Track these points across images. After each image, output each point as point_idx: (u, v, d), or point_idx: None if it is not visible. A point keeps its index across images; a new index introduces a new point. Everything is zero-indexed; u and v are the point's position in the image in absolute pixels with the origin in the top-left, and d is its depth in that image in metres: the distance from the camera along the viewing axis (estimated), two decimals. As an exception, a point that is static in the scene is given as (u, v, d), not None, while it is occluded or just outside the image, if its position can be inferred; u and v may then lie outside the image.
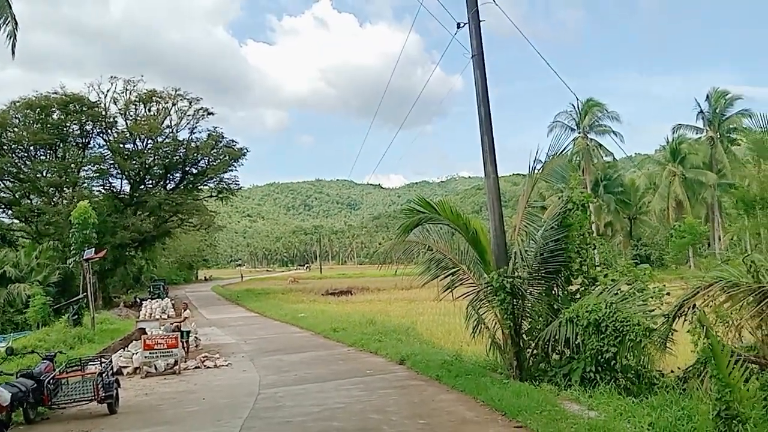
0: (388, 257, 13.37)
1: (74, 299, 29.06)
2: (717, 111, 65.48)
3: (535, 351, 12.25)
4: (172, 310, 42.10)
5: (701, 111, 65.82)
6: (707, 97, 65.61)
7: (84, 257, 26.54)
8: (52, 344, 23.12)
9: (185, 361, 18.92)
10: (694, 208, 67.44)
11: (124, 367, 17.80)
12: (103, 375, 11.67)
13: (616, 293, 10.88)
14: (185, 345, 21.25)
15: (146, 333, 21.73)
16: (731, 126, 64.41)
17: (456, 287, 13.04)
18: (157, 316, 40.55)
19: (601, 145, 67.87)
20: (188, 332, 21.44)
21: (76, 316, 29.84)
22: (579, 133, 67.73)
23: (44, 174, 46.31)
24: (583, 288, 12.42)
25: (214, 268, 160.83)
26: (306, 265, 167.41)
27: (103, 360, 12.66)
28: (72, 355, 20.13)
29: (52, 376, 11.39)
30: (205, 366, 18.07)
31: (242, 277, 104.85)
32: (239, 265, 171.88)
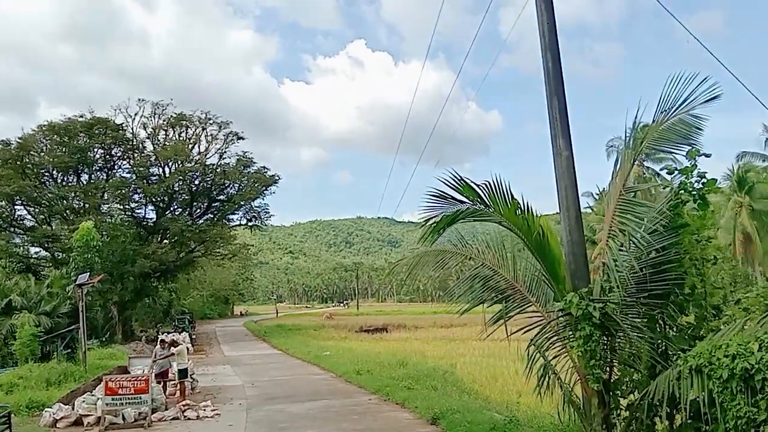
0: (411, 275, 9.37)
1: (64, 330, 25.79)
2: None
3: (634, 416, 8.01)
4: (190, 345, 38.74)
5: (768, 138, 60.15)
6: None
7: (77, 282, 23.31)
8: (33, 381, 19.88)
9: (165, 409, 15.18)
10: (763, 241, 61.40)
11: (86, 415, 14.17)
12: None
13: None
14: (180, 387, 17.57)
15: (127, 371, 18.15)
16: (803, 153, 58.64)
17: (510, 317, 8.92)
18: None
19: (658, 174, 62.54)
20: (185, 370, 17.73)
21: (69, 350, 26.66)
22: (635, 160, 62.66)
23: (65, 199, 44.05)
24: (701, 321, 8.17)
25: (253, 303, 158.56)
26: (344, 302, 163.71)
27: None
28: (35, 398, 16.78)
29: None
30: (184, 417, 14.26)
31: (277, 312, 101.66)
32: (278, 300, 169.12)
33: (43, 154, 44.74)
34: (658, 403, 7.57)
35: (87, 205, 44.03)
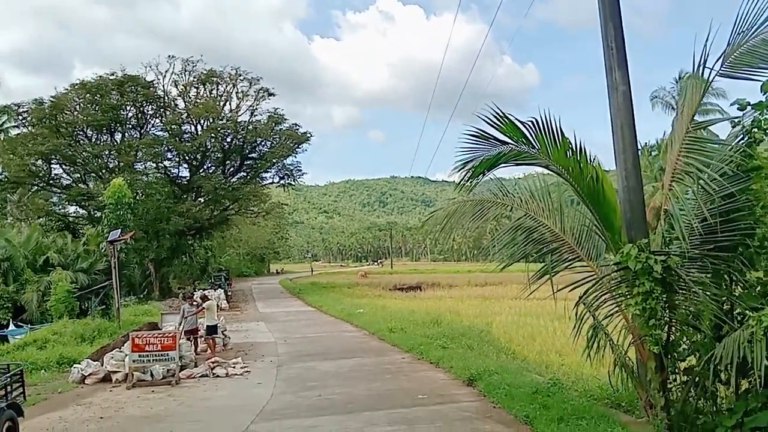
0: (446, 228, 8.52)
1: (98, 286, 25.86)
2: None
3: (694, 381, 7.18)
4: (225, 302, 38.94)
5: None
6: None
7: (109, 239, 23.18)
8: (66, 337, 19.93)
9: (195, 366, 14.92)
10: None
11: (114, 372, 13.95)
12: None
13: None
14: (210, 343, 17.33)
15: (159, 328, 17.98)
16: None
17: (557, 273, 8.09)
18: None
19: (705, 128, 59.69)
20: (214, 327, 17.44)
21: (104, 306, 26.86)
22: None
23: (99, 157, 44.15)
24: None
25: (289, 262, 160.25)
26: (379, 261, 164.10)
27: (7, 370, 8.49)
28: (66, 353, 16.73)
29: None
30: (213, 374, 13.92)
31: (312, 270, 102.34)
32: (314, 259, 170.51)
33: (76, 113, 44.73)
34: (723, 368, 6.75)
35: (121, 164, 44.09)
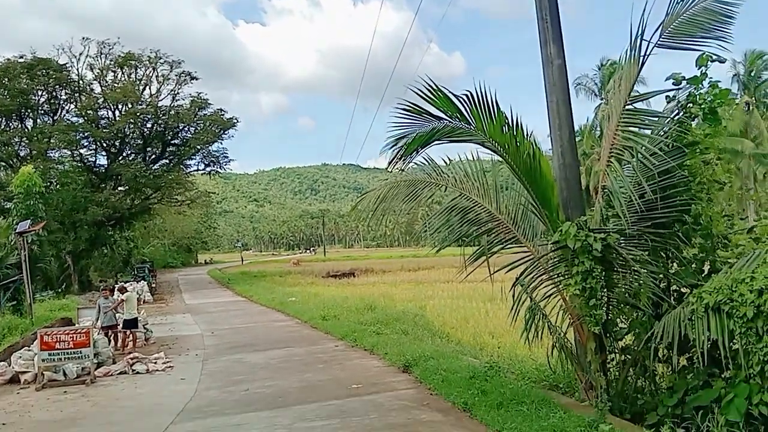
0: (379, 210, 8.08)
1: (6, 281, 24.04)
2: (753, 74, 59.46)
3: (635, 360, 7.08)
4: (149, 294, 37.29)
5: (736, 74, 59.73)
6: (744, 57, 59.43)
7: (17, 230, 21.50)
8: (-30, 337, 18.31)
9: (113, 362, 13.94)
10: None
11: (22, 372, 12.81)
12: None
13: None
14: (130, 338, 16.30)
15: (73, 323, 16.80)
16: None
17: (493, 254, 7.81)
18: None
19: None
20: (134, 320, 16.38)
21: (15, 302, 25.00)
22: (601, 99, 61.78)
23: (7, 145, 41.11)
24: (709, 253, 7.18)
25: (218, 252, 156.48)
26: (311, 249, 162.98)
27: None
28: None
29: None
30: (133, 371, 13.02)
31: (242, 260, 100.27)
32: (244, 248, 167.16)
33: (-22, 97, 41.51)
34: (663, 346, 6.67)
35: (33, 152, 41.30)
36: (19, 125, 42.82)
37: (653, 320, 6.96)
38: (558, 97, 7.24)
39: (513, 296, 7.61)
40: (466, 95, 6.33)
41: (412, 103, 6.46)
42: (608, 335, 7.07)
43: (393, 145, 6.74)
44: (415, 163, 8.16)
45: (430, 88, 6.35)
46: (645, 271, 6.84)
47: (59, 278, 45.82)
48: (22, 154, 42.07)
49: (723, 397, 5.89)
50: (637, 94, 6.79)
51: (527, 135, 6.68)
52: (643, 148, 6.37)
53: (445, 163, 8.17)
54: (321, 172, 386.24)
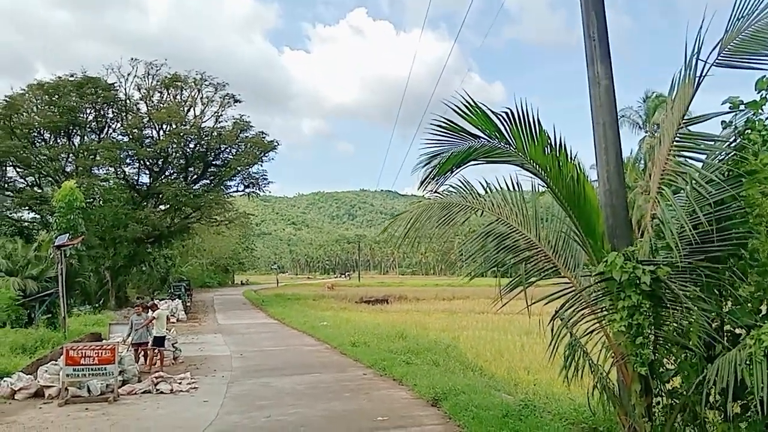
0: (411, 232, 7.66)
1: (43, 294, 24.37)
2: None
3: (684, 406, 6.45)
4: (183, 313, 37.49)
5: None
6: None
7: (56, 244, 21.83)
8: (5, 349, 18.47)
9: (139, 381, 13.77)
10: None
11: (47, 387, 12.74)
12: None
13: None
14: (155, 356, 16.16)
15: (101, 339, 16.76)
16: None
17: (530, 284, 7.32)
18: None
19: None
20: (161, 338, 16.26)
21: (50, 315, 25.32)
22: (646, 132, 60.40)
23: (54, 160, 42.28)
24: (763, 294, 6.54)
25: (255, 273, 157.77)
26: (346, 273, 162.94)
27: None
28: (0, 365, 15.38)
29: None
30: (157, 390, 12.82)
31: (278, 282, 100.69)
32: (280, 271, 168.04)
33: (32, 114, 42.98)
34: (716, 392, 6.06)
35: (79, 168, 42.39)
36: (67, 142, 44.09)
37: (704, 362, 6.36)
38: (605, 119, 6.77)
39: (551, 331, 7.08)
40: (506, 113, 5.93)
41: (449, 120, 6.10)
42: (655, 377, 6.48)
43: (426, 164, 6.36)
44: (450, 186, 7.78)
45: (467, 105, 5.99)
46: (697, 308, 6.25)
47: (97, 293, 46.60)
48: (68, 170, 43.20)
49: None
50: (691, 117, 6.29)
51: (571, 157, 6.24)
52: (698, 174, 5.86)
53: (483, 187, 7.75)
54: (359, 198, 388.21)
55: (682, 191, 6.72)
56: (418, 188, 6.53)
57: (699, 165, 6.13)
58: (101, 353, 12.23)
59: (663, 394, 6.91)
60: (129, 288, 52.84)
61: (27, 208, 43.01)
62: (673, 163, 6.12)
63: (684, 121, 6.10)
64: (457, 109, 6.03)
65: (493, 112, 6.00)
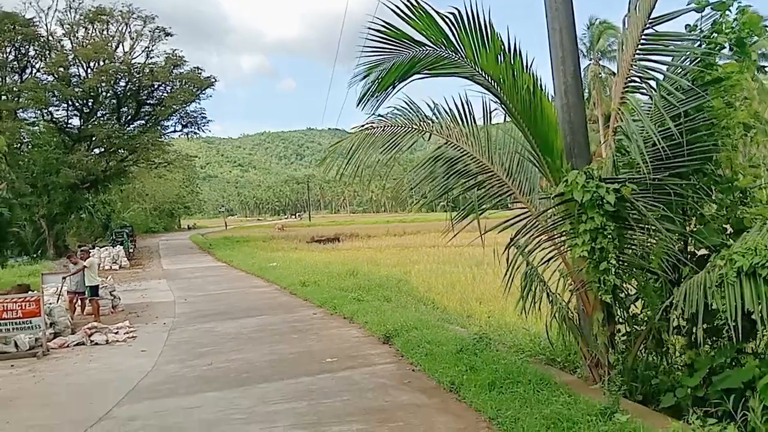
0: (354, 159, 6.93)
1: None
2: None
3: (649, 333, 6.11)
4: (126, 259, 36.10)
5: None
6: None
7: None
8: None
9: (72, 333, 12.87)
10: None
11: (-32, 344, 11.72)
12: None
13: None
14: (92, 306, 15.20)
15: (31, 290, 15.61)
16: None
17: (483, 211, 6.77)
18: (107, 266, 34.56)
19: (615, 74, 60.42)
20: (94, 287, 15.25)
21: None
22: (590, 60, 60.29)
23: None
24: (732, 209, 6.16)
25: (202, 217, 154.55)
26: (298, 214, 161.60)
27: None
28: None
29: None
30: (91, 342, 11.98)
31: (226, 225, 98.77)
32: (229, 214, 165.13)
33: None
34: (683, 317, 5.72)
35: (3, 112, 39.37)
36: (-14, 83, 40.80)
37: (669, 286, 6.00)
38: (561, 24, 6.11)
39: (507, 260, 6.59)
40: (454, 14, 5.15)
41: (389, 25, 5.28)
42: (617, 304, 6.10)
43: (365, 76, 5.57)
44: (395, 108, 7.05)
45: (410, 6, 5.17)
46: (663, 229, 5.82)
47: (34, 243, 44.44)
48: (-10, 114, 40.15)
49: (758, 377, 4.95)
50: (658, 16, 5.64)
51: (526, 66, 5.56)
52: (666, 80, 5.29)
53: (429, 108, 7.02)
54: (306, 137, 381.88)
55: (643, 104, 6.21)
56: (357, 105, 5.76)
57: (670, 69, 5.54)
58: (25, 306, 11.23)
59: (625, 321, 6.58)
60: (69, 236, 50.62)
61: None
62: (639, 67, 5.51)
63: (650, 20, 5.45)
64: (399, 11, 5.21)
65: (439, 14, 5.20)
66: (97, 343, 11.96)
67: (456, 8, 5.10)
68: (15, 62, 41.20)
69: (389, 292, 16.26)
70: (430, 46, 5.48)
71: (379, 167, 7.33)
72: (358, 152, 6.90)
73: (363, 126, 7.04)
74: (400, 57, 5.51)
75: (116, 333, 12.47)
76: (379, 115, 6.98)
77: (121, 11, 42.84)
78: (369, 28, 5.31)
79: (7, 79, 41.54)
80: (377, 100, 5.93)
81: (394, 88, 5.82)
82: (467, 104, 6.79)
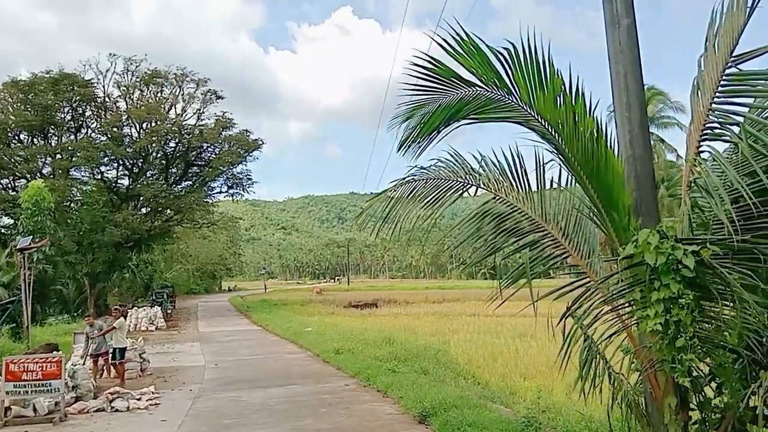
0: (392, 215, 6.28)
1: (5, 302, 22.79)
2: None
3: (731, 423, 5.11)
4: (162, 320, 35.86)
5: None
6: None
7: (18, 247, 20.28)
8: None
9: (94, 397, 12.27)
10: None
11: (-14, 405, 11.23)
12: None
13: None
14: (118, 369, 14.70)
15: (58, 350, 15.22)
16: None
17: (535, 276, 5.98)
18: (143, 327, 34.32)
19: (663, 141, 58.99)
20: (122, 350, 14.77)
21: (14, 324, 23.75)
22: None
23: (29, 161, 40.45)
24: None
25: (243, 279, 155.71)
26: (336, 278, 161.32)
27: None
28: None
29: None
30: (111, 408, 11.36)
31: (266, 288, 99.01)
32: (270, 276, 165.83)
33: (7, 113, 41.26)
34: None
35: (57, 170, 40.64)
36: (43, 142, 42.31)
37: (753, 366, 5.04)
38: (626, 68, 5.44)
39: (563, 333, 5.73)
40: (509, 50, 4.53)
41: (434, 60, 4.70)
42: (697, 390, 5.14)
43: (407, 118, 4.97)
44: (438, 160, 6.45)
45: (460, 40, 4.59)
46: (751, 300, 4.92)
47: (75, 301, 44.83)
48: (44, 171, 41.42)
49: None
50: (741, 53, 4.95)
51: (590, 110, 4.89)
52: (754, 124, 4.54)
53: (476, 159, 6.38)
54: (349, 201, 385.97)
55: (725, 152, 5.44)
56: (398, 151, 5.14)
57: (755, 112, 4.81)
58: (45, 367, 10.76)
59: (697, 407, 5.57)
60: (111, 295, 51.08)
61: (2, 211, 41.13)
62: (719, 112, 4.78)
63: (732, 58, 4.76)
64: (448, 47, 4.63)
65: (492, 50, 4.60)
66: (117, 410, 11.34)
67: (512, 43, 4.50)
68: (71, 122, 42.87)
69: (427, 364, 15.27)
70: (480, 87, 4.88)
71: (418, 230, 6.66)
72: (397, 207, 6.27)
73: (404, 179, 6.43)
74: (447, 98, 4.91)
75: (139, 399, 11.83)
76: (421, 168, 6.38)
77: (175, 74, 44.44)
78: (414, 64, 4.76)
79: (63, 137, 43.12)
80: (419, 147, 5.31)
81: (438, 133, 5.20)
82: (518, 156, 6.13)
